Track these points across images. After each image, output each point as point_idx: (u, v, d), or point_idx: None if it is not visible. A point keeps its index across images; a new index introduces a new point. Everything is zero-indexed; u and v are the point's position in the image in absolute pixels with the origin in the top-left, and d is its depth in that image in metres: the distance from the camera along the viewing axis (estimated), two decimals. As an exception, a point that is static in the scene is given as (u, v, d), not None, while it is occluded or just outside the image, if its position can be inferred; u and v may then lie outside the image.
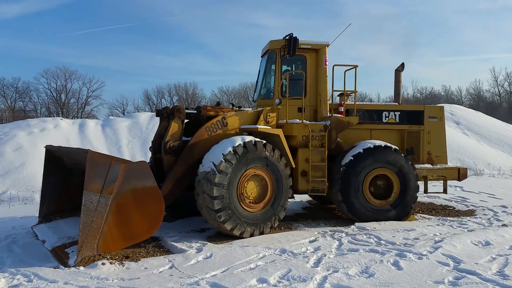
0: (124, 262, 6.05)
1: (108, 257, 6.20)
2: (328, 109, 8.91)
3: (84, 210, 5.79)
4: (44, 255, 6.29)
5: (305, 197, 11.46)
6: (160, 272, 5.60)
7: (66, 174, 8.11)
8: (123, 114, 57.78)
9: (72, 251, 6.08)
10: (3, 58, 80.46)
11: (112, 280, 5.27)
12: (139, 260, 6.13)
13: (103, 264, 5.78)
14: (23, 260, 6.04)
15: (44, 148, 8.32)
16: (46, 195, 8.16)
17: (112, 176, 5.97)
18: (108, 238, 6.02)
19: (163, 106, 8.61)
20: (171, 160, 7.65)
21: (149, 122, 21.21)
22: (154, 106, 57.98)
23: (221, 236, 7.42)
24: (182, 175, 7.56)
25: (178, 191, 7.59)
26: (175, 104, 8.34)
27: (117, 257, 6.30)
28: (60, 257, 6.14)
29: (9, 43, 79.23)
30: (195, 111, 8.41)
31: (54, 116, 52.18)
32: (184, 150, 7.64)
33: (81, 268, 5.70)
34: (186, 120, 8.27)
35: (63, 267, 5.71)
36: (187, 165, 7.59)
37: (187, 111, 8.22)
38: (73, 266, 5.74)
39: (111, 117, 24.38)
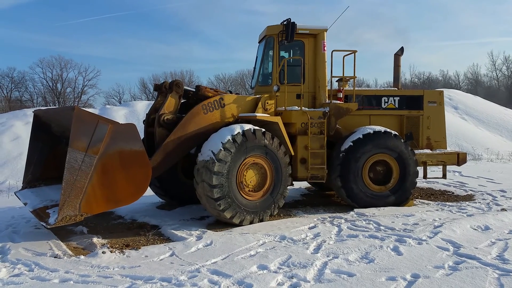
0: (124, 250, 6.06)
1: (108, 245, 6.22)
2: (327, 95, 8.85)
3: (68, 168, 5.64)
4: (44, 245, 6.29)
5: (304, 184, 11.47)
6: (161, 260, 5.61)
7: (53, 141, 7.86)
8: (120, 103, 57.57)
9: (54, 211, 5.94)
10: (-3, 48, 79.77)
11: (113, 269, 5.28)
12: (139, 248, 6.14)
13: (103, 252, 5.79)
14: (24, 250, 6.03)
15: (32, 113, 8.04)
16: (32, 161, 7.86)
17: (98, 136, 5.82)
18: (91, 199, 5.87)
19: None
20: (164, 134, 7.51)
21: (146, 111, 20.79)
22: (151, 95, 57.72)
23: (221, 223, 7.42)
24: (173, 149, 7.41)
25: (166, 165, 7.45)
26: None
27: (117, 245, 6.33)
28: (41, 217, 6.05)
29: (3, 32, 78.58)
30: (194, 90, 8.31)
31: (50, 106, 52.01)
32: (178, 124, 7.51)
33: (82, 257, 5.72)
34: (183, 100, 8.19)
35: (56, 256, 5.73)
36: (179, 139, 7.45)
37: (185, 87, 8.13)
38: (53, 225, 5.67)
39: (107, 106, 24.28)
